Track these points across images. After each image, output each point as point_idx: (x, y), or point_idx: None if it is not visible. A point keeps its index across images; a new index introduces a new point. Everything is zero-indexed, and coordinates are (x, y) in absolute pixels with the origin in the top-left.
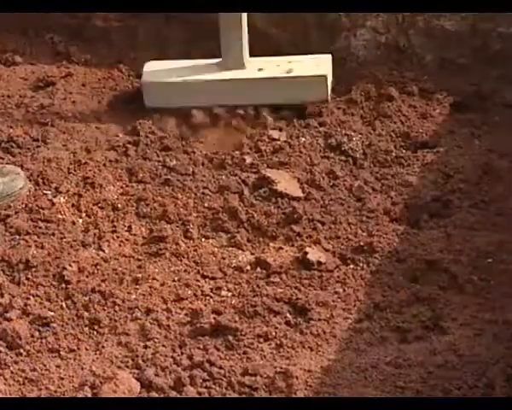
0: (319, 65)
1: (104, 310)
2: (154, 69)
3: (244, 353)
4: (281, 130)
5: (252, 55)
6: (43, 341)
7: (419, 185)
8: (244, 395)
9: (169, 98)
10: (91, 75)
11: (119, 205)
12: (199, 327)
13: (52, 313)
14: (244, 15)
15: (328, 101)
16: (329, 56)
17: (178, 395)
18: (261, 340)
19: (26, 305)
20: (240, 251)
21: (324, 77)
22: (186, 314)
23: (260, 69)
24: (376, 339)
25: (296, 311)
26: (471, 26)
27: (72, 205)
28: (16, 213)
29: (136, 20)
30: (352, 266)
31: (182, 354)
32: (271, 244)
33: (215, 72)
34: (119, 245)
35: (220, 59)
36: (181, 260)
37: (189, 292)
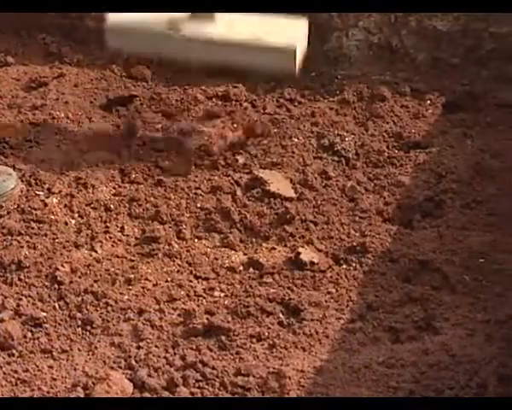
0: (291, 33)
1: (97, 311)
2: (121, 16)
3: (237, 353)
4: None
5: None
6: (36, 341)
7: (411, 185)
8: (237, 396)
9: (133, 43)
10: (84, 76)
11: (112, 205)
12: (192, 328)
13: (44, 314)
14: None
15: (295, 74)
16: (305, 23)
17: (171, 396)
18: (254, 340)
19: (18, 306)
20: (232, 251)
21: (293, 50)
22: (179, 315)
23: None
24: (369, 339)
25: (289, 311)
26: (463, 27)
27: (65, 205)
28: (8, 213)
29: None
30: (344, 266)
31: (174, 354)
32: (264, 245)
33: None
34: (112, 246)
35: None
36: (174, 261)
37: (182, 293)
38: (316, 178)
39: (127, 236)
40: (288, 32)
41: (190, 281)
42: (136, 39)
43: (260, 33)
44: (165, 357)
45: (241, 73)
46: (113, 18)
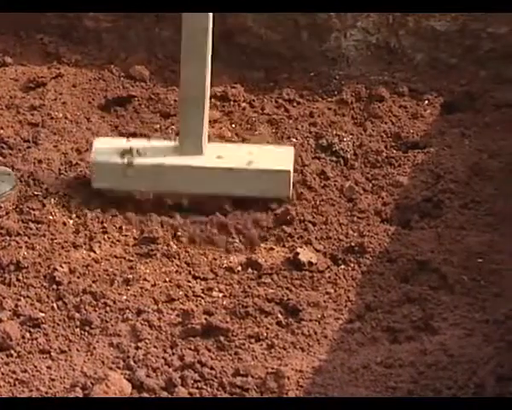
0: (281, 159)
1: (95, 311)
2: (105, 147)
3: (235, 353)
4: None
5: (245, 54)
6: (34, 342)
7: (410, 186)
8: (235, 396)
9: (118, 181)
10: (82, 76)
11: (110, 206)
12: (190, 328)
13: (43, 314)
14: (206, 100)
15: (289, 197)
16: (292, 149)
17: (170, 396)
18: (252, 340)
19: (16, 306)
20: (231, 251)
21: (287, 172)
22: (177, 315)
23: (219, 157)
24: (367, 339)
25: (287, 311)
26: (461, 27)
27: (63, 206)
28: (7, 213)
29: (127, 20)
30: (343, 266)
31: (173, 354)
32: (262, 245)
33: (172, 155)
34: (110, 246)
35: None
36: (172, 261)
37: (181, 293)
38: (314, 179)
39: (125, 236)
40: (278, 158)
41: (189, 281)
42: (121, 176)
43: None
44: (163, 357)
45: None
46: (97, 157)
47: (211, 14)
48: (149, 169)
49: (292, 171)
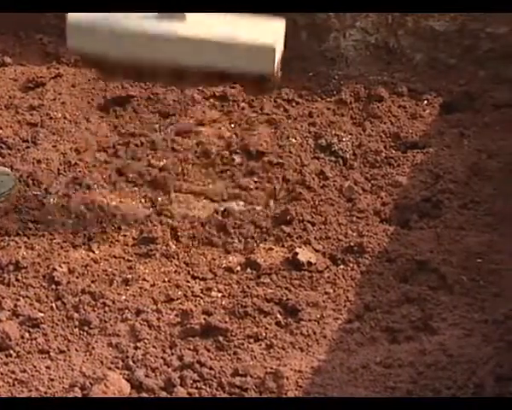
0: (267, 32)
1: (94, 311)
2: (81, 15)
3: (234, 353)
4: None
5: None
6: (33, 342)
7: (409, 186)
8: (234, 396)
9: (95, 44)
10: (81, 76)
11: (109, 206)
12: (189, 328)
13: (42, 315)
14: None
15: (274, 74)
16: (283, 24)
17: (169, 396)
18: (251, 340)
19: (15, 306)
20: (230, 252)
21: (271, 48)
22: (176, 315)
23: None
24: (366, 339)
25: (286, 311)
26: (460, 27)
27: (62, 206)
28: (6, 213)
29: None
30: (342, 266)
31: (172, 354)
32: (261, 245)
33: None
34: (109, 246)
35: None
36: (171, 261)
37: (180, 293)
38: (313, 179)
39: (124, 236)
40: (265, 31)
41: (188, 281)
42: (97, 39)
43: (236, 32)
44: (162, 357)
45: (217, 75)
46: (73, 17)
47: None
48: (130, 36)
49: (277, 46)
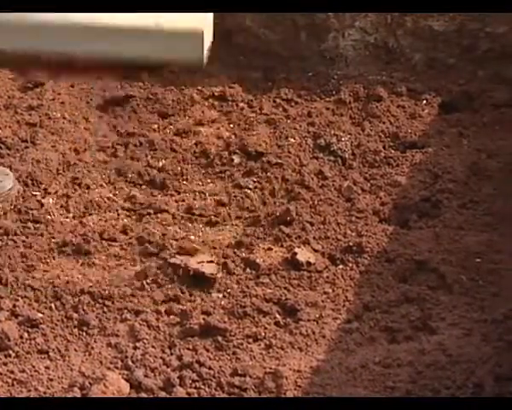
0: (194, 19)
1: (93, 311)
2: None
3: (233, 353)
4: None
5: (244, 54)
6: (32, 342)
7: (408, 185)
8: (233, 396)
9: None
10: None
11: (108, 206)
12: (188, 328)
13: (41, 315)
14: None
15: (202, 61)
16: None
17: (168, 396)
18: (250, 340)
19: (14, 306)
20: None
21: (199, 32)
22: (175, 315)
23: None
24: (365, 339)
25: (285, 311)
26: (459, 27)
27: (61, 206)
28: (5, 213)
29: None
30: (341, 266)
31: (171, 354)
32: (261, 245)
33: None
34: (109, 246)
35: None
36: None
37: (180, 293)
38: (312, 179)
39: (124, 236)
40: (192, 17)
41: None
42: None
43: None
44: (161, 357)
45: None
46: None
47: None
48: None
49: (205, 31)
